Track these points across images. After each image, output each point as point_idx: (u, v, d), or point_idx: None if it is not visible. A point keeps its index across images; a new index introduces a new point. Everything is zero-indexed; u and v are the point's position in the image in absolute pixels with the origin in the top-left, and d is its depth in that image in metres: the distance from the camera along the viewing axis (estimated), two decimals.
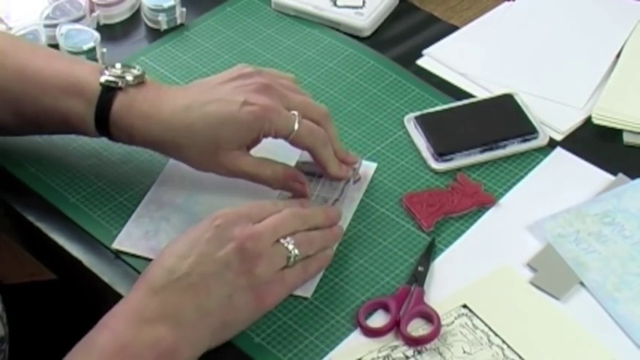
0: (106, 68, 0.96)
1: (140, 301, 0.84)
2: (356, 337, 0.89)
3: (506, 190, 1.01)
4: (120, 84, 0.95)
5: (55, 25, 1.16)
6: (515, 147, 1.05)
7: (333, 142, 0.97)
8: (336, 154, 0.97)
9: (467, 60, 1.16)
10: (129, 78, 0.95)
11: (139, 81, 0.96)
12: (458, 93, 1.12)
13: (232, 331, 0.87)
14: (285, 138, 0.94)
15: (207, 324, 0.84)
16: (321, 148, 0.95)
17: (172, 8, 1.19)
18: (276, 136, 0.94)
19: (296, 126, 0.94)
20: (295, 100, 0.96)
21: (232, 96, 0.93)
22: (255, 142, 0.95)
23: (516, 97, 1.09)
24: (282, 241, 0.88)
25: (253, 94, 0.94)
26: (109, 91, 0.95)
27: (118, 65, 0.96)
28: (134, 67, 0.97)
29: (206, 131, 0.93)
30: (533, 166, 1.04)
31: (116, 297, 0.93)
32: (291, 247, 0.88)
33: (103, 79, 0.95)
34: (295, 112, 0.94)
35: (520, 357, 0.87)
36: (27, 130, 1.03)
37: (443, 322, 0.89)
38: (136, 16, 1.22)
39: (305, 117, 0.95)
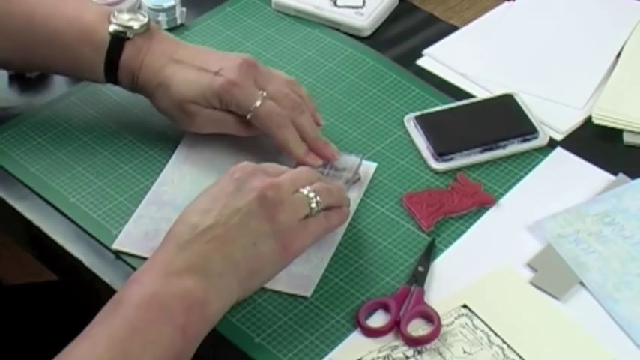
0: (113, 15, 1.00)
1: (167, 255, 0.84)
2: (356, 337, 0.89)
3: (506, 190, 1.01)
4: (128, 34, 0.99)
5: None
6: (515, 147, 1.05)
7: (307, 131, 0.98)
8: (312, 142, 0.99)
9: (467, 60, 1.16)
10: (136, 27, 0.99)
11: (146, 29, 1.00)
12: (458, 93, 1.12)
13: (260, 281, 0.89)
14: (245, 115, 0.97)
15: (235, 273, 0.85)
16: (277, 130, 0.97)
17: (172, 8, 1.19)
18: (237, 110, 0.97)
19: (257, 103, 0.97)
20: (271, 83, 0.99)
21: (212, 66, 0.98)
22: (221, 108, 0.98)
23: (516, 97, 1.09)
24: (301, 190, 0.90)
25: (231, 67, 0.97)
26: (117, 40, 0.99)
27: (124, 11, 1.00)
28: (141, 14, 1.01)
29: (176, 88, 0.98)
30: (533, 166, 1.04)
31: None
32: (311, 195, 0.90)
33: (112, 28, 1.00)
34: (263, 93, 0.97)
35: (520, 357, 0.87)
36: (36, 70, 1.11)
37: (443, 322, 0.89)
38: None
39: (280, 104, 0.97)
